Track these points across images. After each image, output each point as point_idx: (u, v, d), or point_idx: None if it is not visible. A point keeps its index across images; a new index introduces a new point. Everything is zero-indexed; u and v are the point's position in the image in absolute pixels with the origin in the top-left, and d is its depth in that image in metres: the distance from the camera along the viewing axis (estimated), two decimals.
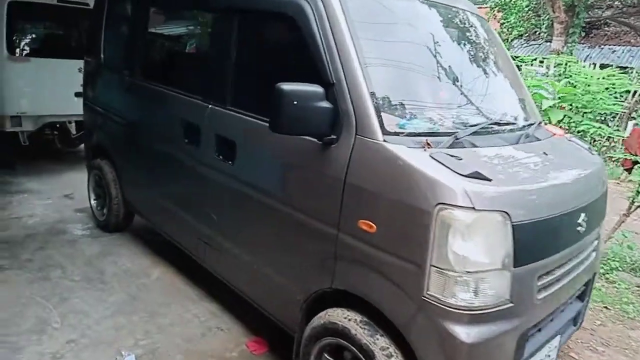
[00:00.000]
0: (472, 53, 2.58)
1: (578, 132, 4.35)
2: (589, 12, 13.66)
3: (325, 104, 1.92)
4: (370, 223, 1.85)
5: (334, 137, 1.96)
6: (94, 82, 4.09)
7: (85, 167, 4.32)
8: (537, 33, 16.28)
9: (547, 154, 2.23)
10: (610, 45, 15.73)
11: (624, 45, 15.44)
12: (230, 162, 2.51)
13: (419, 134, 1.94)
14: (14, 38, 5.45)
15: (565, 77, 5.21)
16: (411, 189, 1.74)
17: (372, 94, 1.92)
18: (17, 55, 5.50)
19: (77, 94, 5.18)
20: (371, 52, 2.02)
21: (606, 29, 16.45)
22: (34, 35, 5.90)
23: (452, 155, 1.82)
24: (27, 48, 5.73)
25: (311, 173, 2.07)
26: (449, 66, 2.30)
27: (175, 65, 3.37)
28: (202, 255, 2.92)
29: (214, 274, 2.88)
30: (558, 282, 2.08)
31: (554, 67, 8.59)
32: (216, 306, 3.05)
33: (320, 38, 2.02)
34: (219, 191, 2.68)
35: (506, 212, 1.73)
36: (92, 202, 4.18)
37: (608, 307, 3.57)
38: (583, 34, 14.25)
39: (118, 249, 3.72)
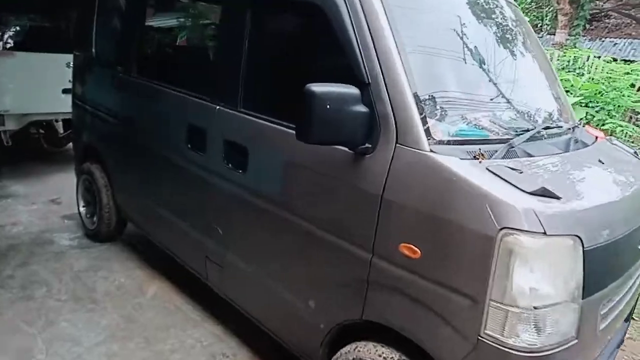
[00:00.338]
0: (512, 47, 2.31)
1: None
2: (593, 3, 13.52)
3: (361, 108, 1.63)
4: (414, 247, 1.57)
5: (369, 146, 1.67)
6: (84, 78, 3.75)
7: (74, 170, 3.99)
8: (540, 26, 16.08)
9: (602, 162, 1.98)
10: (611, 37, 15.61)
11: (625, 38, 15.33)
12: (240, 171, 2.22)
13: (470, 142, 1.67)
14: None
15: (579, 71, 4.96)
16: (467, 209, 1.46)
17: (416, 95, 1.64)
18: (0, 49, 5.14)
19: (64, 91, 4.82)
20: (413, 45, 1.74)
21: (607, 21, 16.34)
22: (18, 28, 5.54)
23: (511, 168, 1.55)
24: (10, 41, 5.37)
25: (340, 187, 1.78)
26: (494, 63, 2.04)
27: (178, 60, 3.06)
28: (205, 272, 2.62)
29: (219, 293, 2.58)
30: (616, 308, 1.85)
31: (557, 60, 8.39)
32: (220, 329, 2.75)
33: (353, 29, 1.73)
34: (226, 202, 2.38)
35: (578, 236, 1.47)
36: (81, 209, 3.84)
37: (634, 317, 3.34)
38: (587, 26, 14.12)
39: (110, 262, 3.40)
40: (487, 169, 1.52)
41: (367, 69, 1.69)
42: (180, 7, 3.37)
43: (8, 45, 5.53)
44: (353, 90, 1.62)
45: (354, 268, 1.77)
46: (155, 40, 3.34)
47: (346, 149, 1.71)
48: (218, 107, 2.34)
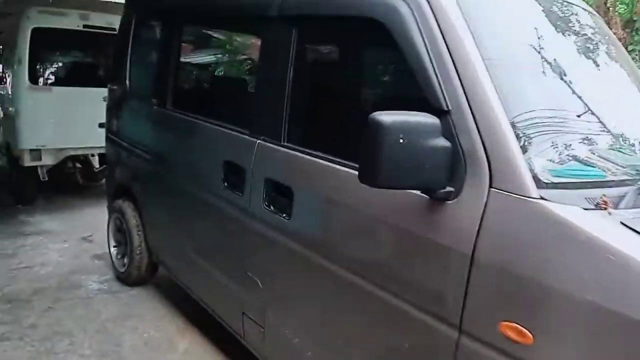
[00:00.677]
0: (606, 63, 1.92)
1: None
2: None
3: (442, 142, 1.28)
4: (522, 328, 1.17)
5: (451, 189, 1.31)
6: (118, 112, 3.58)
7: (107, 207, 3.78)
8: None
9: None
10: None
11: None
12: (284, 216, 1.88)
13: (585, 185, 1.28)
14: (37, 66, 5.09)
15: None
16: (613, 286, 1.06)
17: (514, 125, 1.27)
18: (40, 84, 5.12)
19: (100, 125, 4.69)
20: (502, 61, 1.39)
21: None
22: (57, 63, 5.55)
23: None
24: (50, 77, 5.37)
25: (413, 241, 1.41)
26: (596, 85, 1.65)
27: (214, 91, 2.82)
28: (242, 330, 2.27)
29: (259, 358, 2.22)
30: None
31: None
32: None
33: (424, 44, 1.40)
34: (266, 251, 2.05)
35: None
36: (112, 249, 3.60)
37: None
38: None
39: (139, 310, 3.11)
40: (622, 223, 1.13)
41: (445, 92, 1.34)
42: (216, 38, 3.16)
43: (49, 81, 5.54)
44: (431, 119, 1.28)
45: (434, 349, 1.37)
46: (190, 71, 3.13)
47: (421, 193, 1.35)
48: (258, 141, 2.04)
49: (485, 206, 1.25)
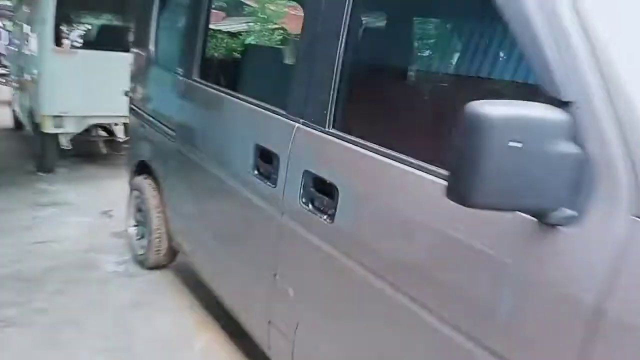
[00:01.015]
0: None
1: None
2: None
3: (570, 148, 0.90)
4: None
5: (573, 213, 0.94)
6: (141, 80, 3.29)
7: (128, 183, 3.53)
8: None
9: None
10: None
11: None
12: (325, 218, 1.55)
13: None
14: (62, 27, 4.83)
15: None
16: None
17: None
18: (65, 47, 4.86)
19: (126, 93, 4.45)
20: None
21: None
22: (83, 25, 5.28)
23: None
24: (76, 39, 5.11)
25: (510, 276, 1.05)
26: None
27: (246, 62, 2.47)
28: (267, 341, 1.97)
29: None
30: None
31: None
32: None
33: (538, 13, 1.01)
34: (301, 256, 1.74)
35: None
36: (131, 229, 3.37)
37: None
38: None
39: (155, 297, 2.87)
40: None
41: (568, 75, 0.96)
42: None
43: (74, 44, 5.29)
44: (557, 114, 0.90)
45: None
46: (223, 37, 2.78)
47: (527, 215, 0.98)
48: (297, 124, 1.70)
49: (623, 239, 0.88)
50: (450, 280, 1.17)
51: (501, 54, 1.21)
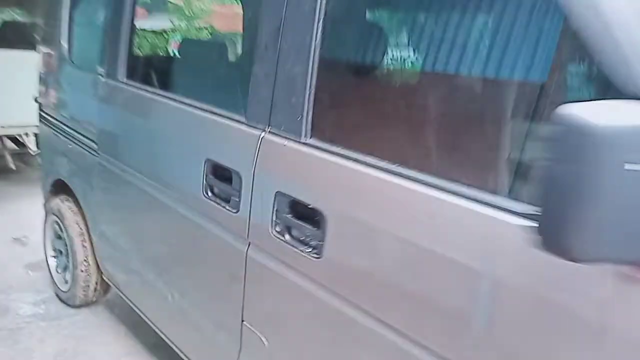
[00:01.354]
0: None
1: None
2: None
3: None
4: None
5: None
6: (53, 83, 2.75)
7: (43, 206, 2.97)
8: None
9: None
10: None
11: None
12: (310, 251, 1.22)
13: None
14: None
15: None
16: None
17: None
18: None
19: (37, 98, 3.84)
20: None
21: None
22: None
23: None
24: None
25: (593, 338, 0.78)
26: None
27: (188, 55, 2.05)
28: None
29: None
30: None
31: None
32: None
33: None
34: (276, 298, 1.40)
35: None
36: (50, 260, 2.83)
37: None
38: None
39: (87, 345, 2.39)
40: None
41: None
42: None
43: None
44: None
45: None
46: (154, 29, 2.33)
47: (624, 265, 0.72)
48: (263, 133, 1.35)
49: None
50: (506, 344, 0.88)
51: (514, 53, 0.95)
